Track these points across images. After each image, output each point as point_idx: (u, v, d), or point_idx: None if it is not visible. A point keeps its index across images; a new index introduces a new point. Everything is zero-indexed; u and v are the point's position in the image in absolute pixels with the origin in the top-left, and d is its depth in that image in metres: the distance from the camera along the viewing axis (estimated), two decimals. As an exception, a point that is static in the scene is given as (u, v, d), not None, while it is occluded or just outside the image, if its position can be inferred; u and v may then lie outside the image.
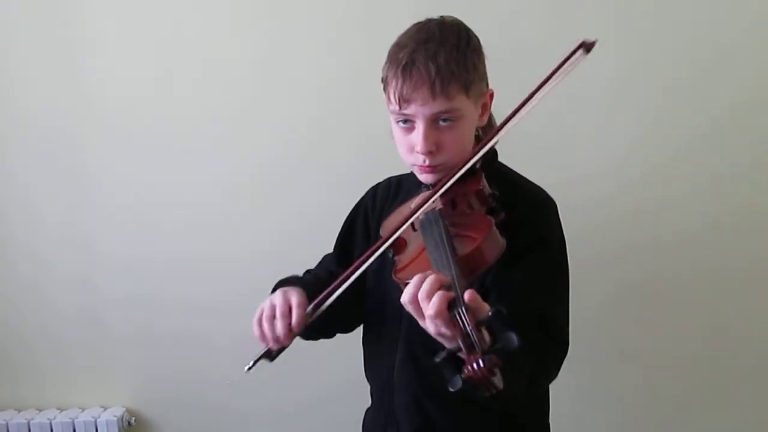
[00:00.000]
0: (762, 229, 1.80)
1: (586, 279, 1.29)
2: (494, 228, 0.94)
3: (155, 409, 2.01)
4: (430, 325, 0.84)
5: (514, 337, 0.76)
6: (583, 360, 1.11)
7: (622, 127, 1.77)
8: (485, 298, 0.84)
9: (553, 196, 1.13)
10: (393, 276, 0.98)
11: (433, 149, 1.03)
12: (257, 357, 1.08)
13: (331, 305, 1.05)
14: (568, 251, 1.12)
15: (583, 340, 1.10)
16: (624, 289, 1.83)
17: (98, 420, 1.92)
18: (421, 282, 0.85)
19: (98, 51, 1.85)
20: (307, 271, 1.33)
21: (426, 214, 1.00)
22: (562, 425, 1.28)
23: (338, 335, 1.31)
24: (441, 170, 1.05)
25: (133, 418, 1.98)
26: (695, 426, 1.89)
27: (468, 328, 0.79)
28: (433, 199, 1.01)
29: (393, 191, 1.26)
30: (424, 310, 0.84)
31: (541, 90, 0.99)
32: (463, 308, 0.80)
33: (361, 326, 1.29)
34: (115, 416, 1.93)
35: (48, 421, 1.93)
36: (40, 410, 1.99)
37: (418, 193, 1.11)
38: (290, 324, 1.04)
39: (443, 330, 0.82)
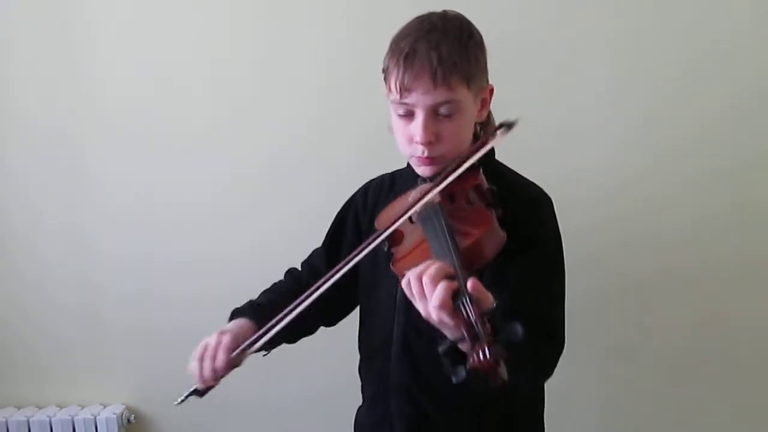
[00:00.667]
0: (760, 226, 1.81)
1: (583, 277, 1.30)
2: (495, 222, 0.94)
3: (155, 406, 2.02)
4: (433, 315, 0.83)
5: (519, 328, 0.75)
6: (578, 357, 1.12)
7: (620, 125, 1.78)
8: None
9: (550, 193, 1.13)
10: (391, 266, 0.98)
11: (432, 140, 1.03)
12: (188, 393, 1.14)
13: (311, 304, 1.06)
14: (564, 249, 1.12)
15: (580, 338, 1.10)
16: (621, 287, 1.84)
17: (98, 417, 1.93)
18: (426, 268, 0.84)
19: (98, 51, 1.85)
20: (289, 272, 1.34)
21: (425, 207, 1.00)
22: (559, 423, 1.29)
23: (337, 334, 1.32)
24: (439, 162, 1.05)
25: (133, 416, 1.99)
26: (695, 425, 1.91)
27: (472, 319, 0.78)
28: (432, 193, 1.00)
29: (387, 187, 1.26)
30: (428, 298, 0.82)
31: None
32: (467, 298, 0.79)
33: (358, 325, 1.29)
34: (114, 413, 1.94)
35: (48, 419, 1.93)
36: (40, 408, 1.99)
37: (415, 187, 1.10)
38: (214, 367, 1.08)
39: (446, 320, 0.82)
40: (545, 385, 1.19)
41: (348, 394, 1.29)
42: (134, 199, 1.92)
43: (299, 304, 1.05)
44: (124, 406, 1.98)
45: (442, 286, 0.81)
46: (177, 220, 1.92)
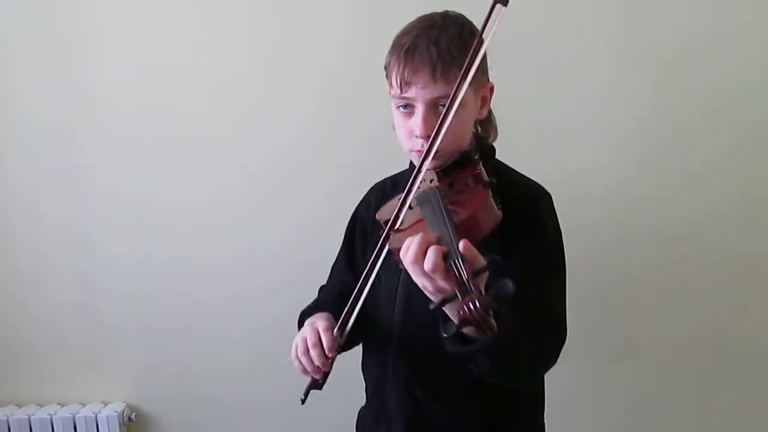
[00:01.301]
0: (759, 223, 1.82)
1: (583, 276, 1.30)
2: (490, 198, 0.96)
3: (156, 404, 2.02)
4: (427, 283, 0.86)
5: (509, 283, 0.78)
6: (577, 356, 1.13)
7: (620, 125, 1.79)
8: None
9: (550, 193, 1.14)
10: (388, 244, 1.00)
11: (431, 133, 1.03)
12: (307, 388, 1.12)
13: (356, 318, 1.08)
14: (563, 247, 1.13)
15: (578, 337, 1.11)
16: (620, 286, 1.85)
17: (99, 415, 1.93)
18: (417, 236, 0.87)
19: (98, 50, 1.85)
20: (322, 288, 1.35)
21: (424, 191, 1.02)
22: (559, 421, 1.30)
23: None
24: (439, 157, 1.05)
25: (134, 414, 2.00)
26: (695, 425, 1.92)
27: (464, 277, 0.81)
28: (424, 167, 1.02)
29: (389, 190, 1.27)
30: (421, 262, 0.86)
31: (480, 50, 1.00)
32: (459, 258, 0.83)
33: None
34: (115, 412, 1.94)
35: (48, 417, 1.94)
36: (41, 406, 2.00)
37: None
38: (323, 351, 1.07)
39: (441, 284, 0.85)
40: (545, 383, 1.20)
41: (349, 394, 1.29)
42: (134, 199, 1.92)
43: (362, 287, 1.06)
44: (125, 404, 1.99)
45: (432, 249, 0.85)
46: (177, 220, 1.92)
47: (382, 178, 1.33)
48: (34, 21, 1.84)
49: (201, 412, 2.02)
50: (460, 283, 0.81)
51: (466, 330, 0.84)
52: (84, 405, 1.99)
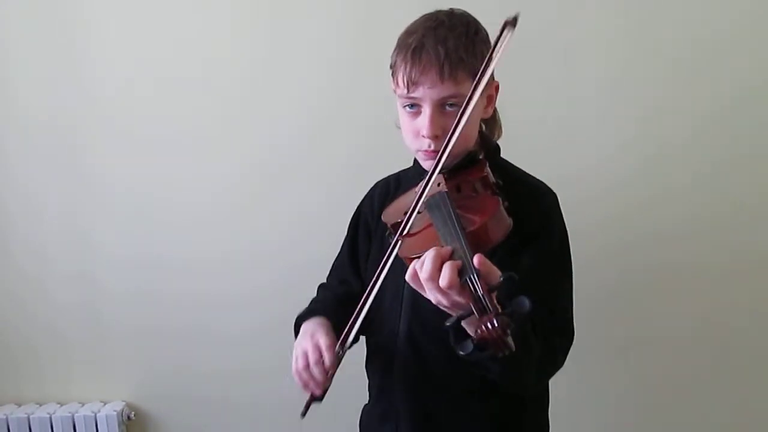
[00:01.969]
0: (759, 223, 1.82)
1: (583, 276, 1.31)
2: (501, 208, 0.95)
3: (155, 403, 2.03)
4: (442, 298, 0.85)
5: (526, 301, 0.76)
6: (579, 356, 1.13)
7: (619, 123, 1.79)
8: None
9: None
10: (398, 251, 0.99)
11: (438, 133, 1.03)
12: (307, 403, 1.12)
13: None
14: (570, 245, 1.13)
15: (580, 336, 1.11)
16: (621, 286, 1.85)
17: (98, 414, 1.94)
18: (427, 255, 0.85)
19: (98, 50, 1.85)
20: (321, 286, 1.34)
21: (432, 195, 1.01)
22: (562, 421, 1.30)
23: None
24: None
25: (133, 413, 2.00)
26: (695, 425, 1.92)
27: (479, 293, 0.79)
28: (435, 175, 1.01)
29: (393, 188, 1.27)
30: (435, 280, 0.83)
31: (485, 75, 0.99)
32: (474, 274, 0.81)
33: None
34: (115, 411, 1.95)
35: (48, 416, 1.94)
36: (40, 405, 2.00)
37: (419, 183, 1.10)
38: (325, 369, 1.07)
39: (456, 299, 0.83)
40: (549, 383, 1.20)
41: (352, 394, 1.30)
42: (135, 197, 1.93)
43: (367, 296, 1.05)
44: (124, 404, 1.99)
45: (447, 266, 0.83)
46: (177, 220, 1.92)
47: (382, 177, 1.33)
48: (34, 21, 1.84)
49: (200, 411, 2.02)
50: (476, 299, 0.80)
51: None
52: (83, 404, 2.00)
